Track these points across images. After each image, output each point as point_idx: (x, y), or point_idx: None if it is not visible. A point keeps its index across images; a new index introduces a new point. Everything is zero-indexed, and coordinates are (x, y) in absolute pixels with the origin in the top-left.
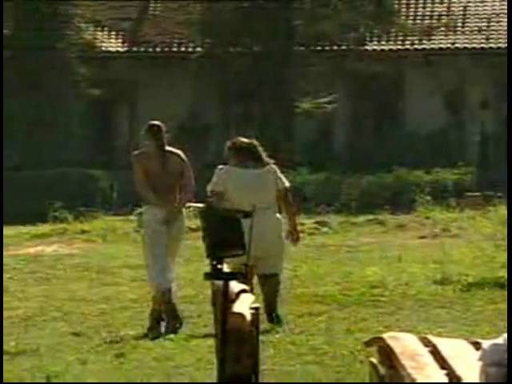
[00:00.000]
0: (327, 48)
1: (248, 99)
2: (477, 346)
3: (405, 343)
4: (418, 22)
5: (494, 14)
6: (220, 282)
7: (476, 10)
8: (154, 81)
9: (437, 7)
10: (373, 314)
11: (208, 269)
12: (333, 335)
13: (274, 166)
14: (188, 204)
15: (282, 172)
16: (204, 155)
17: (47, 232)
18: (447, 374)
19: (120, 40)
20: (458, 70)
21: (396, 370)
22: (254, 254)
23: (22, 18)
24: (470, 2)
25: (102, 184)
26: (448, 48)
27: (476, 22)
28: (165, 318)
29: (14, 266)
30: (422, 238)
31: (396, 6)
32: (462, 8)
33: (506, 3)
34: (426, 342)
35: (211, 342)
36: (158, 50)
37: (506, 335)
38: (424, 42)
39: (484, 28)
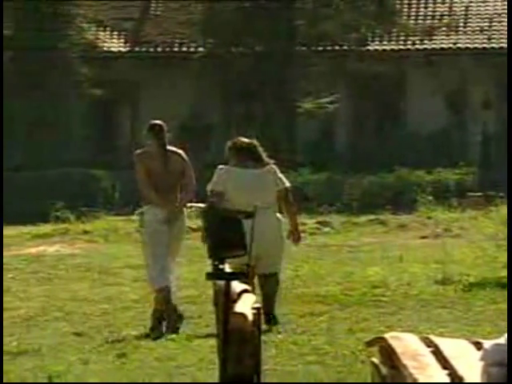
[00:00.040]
0: (329, 48)
1: (250, 99)
2: (478, 346)
3: (406, 343)
4: (420, 22)
5: (495, 13)
6: (222, 282)
7: (478, 10)
8: (156, 81)
9: (438, 7)
10: (374, 313)
11: (210, 269)
12: (334, 335)
13: (273, 166)
14: (189, 204)
15: (284, 172)
16: (205, 155)
17: (49, 232)
18: (449, 374)
19: (122, 40)
20: (460, 70)
21: (398, 370)
22: (255, 254)
23: (24, 18)
24: (471, 2)
25: (104, 184)
26: (450, 48)
27: (478, 22)
28: (166, 317)
29: (16, 266)
30: (423, 238)
31: (398, 6)
32: (463, 8)
33: (507, 3)
34: (428, 342)
35: (213, 342)
36: (159, 50)
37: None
38: (426, 42)
39: (486, 28)
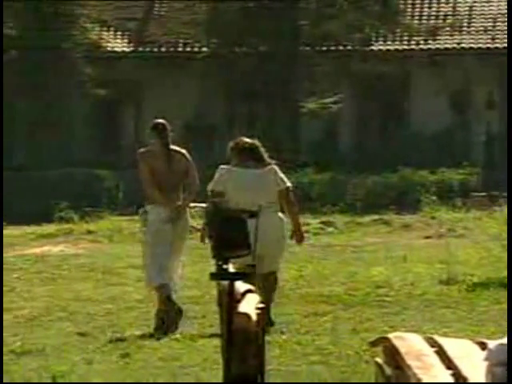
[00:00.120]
0: (333, 48)
1: (253, 99)
2: (482, 346)
3: (410, 343)
4: (424, 22)
5: (499, 13)
6: (226, 282)
7: (482, 10)
8: (160, 81)
9: (442, 7)
10: (378, 314)
11: (213, 269)
12: (338, 335)
13: (274, 166)
14: (192, 204)
15: (287, 172)
16: (209, 155)
17: (53, 232)
18: (453, 374)
19: (126, 40)
20: (464, 70)
21: (402, 370)
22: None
23: (28, 18)
24: (475, 2)
25: (108, 184)
26: (454, 48)
27: (482, 22)
28: (165, 314)
29: (20, 266)
30: (427, 238)
31: (401, 6)
32: (467, 8)
33: (507, 3)
34: (432, 342)
35: (217, 342)
36: (163, 50)
37: None
38: (430, 42)
39: (490, 28)
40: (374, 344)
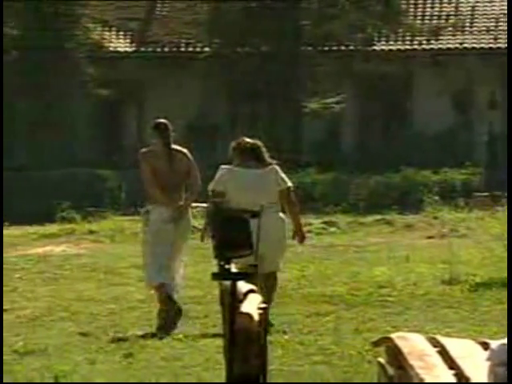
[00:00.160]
0: (335, 48)
1: (256, 99)
2: (485, 346)
3: (413, 343)
4: (426, 21)
5: (502, 13)
6: (228, 282)
7: (484, 10)
8: (162, 81)
9: (445, 7)
10: (381, 314)
11: (216, 269)
12: (341, 335)
13: (276, 167)
14: (194, 204)
15: (289, 172)
16: (211, 155)
17: (55, 232)
18: (456, 375)
19: (128, 40)
20: (466, 70)
21: (404, 370)
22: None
23: (30, 18)
24: (478, 2)
25: (110, 184)
26: (456, 48)
27: (484, 22)
28: (165, 313)
29: (22, 266)
30: (429, 238)
31: (404, 5)
32: (470, 8)
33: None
34: (435, 342)
35: (220, 342)
36: (165, 50)
37: None
38: (432, 42)
39: (492, 28)
40: (376, 344)
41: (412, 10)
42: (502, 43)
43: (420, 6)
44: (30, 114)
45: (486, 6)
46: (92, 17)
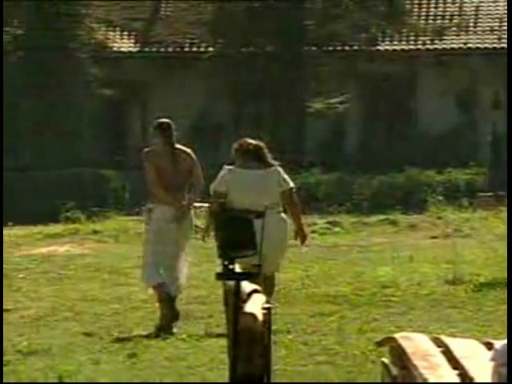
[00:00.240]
0: (339, 48)
1: (260, 99)
2: (489, 346)
3: (417, 343)
4: (430, 21)
5: (506, 13)
6: (232, 282)
7: (488, 10)
8: (166, 81)
9: (449, 7)
10: (384, 314)
11: (220, 269)
12: (344, 335)
13: (278, 168)
14: (196, 204)
15: (291, 173)
16: (215, 155)
17: (59, 232)
18: (459, 375)
19: (132, 40)
20: (470, 70)
21: (408, 370)
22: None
23: (34, 17)
24: (482, 2)
25: (114, 184)
26: (460, 48)
27: (488, 22)
28: (162, 314)
29: (26, 266)
30: (433, 238)
31: (408, 5)
32: (474, 8)
33: (507, 4)
34: (438, 342)
35: (224, 342)
36: (169, 50)
37: None
38: (436, 42)
39: (496, 28)
40: (380, 344)
41: (416, 9)
42: (506, 43)
43: (424, 5)
44: (33, 114)
45: (490, 6)
46: (96, 17)
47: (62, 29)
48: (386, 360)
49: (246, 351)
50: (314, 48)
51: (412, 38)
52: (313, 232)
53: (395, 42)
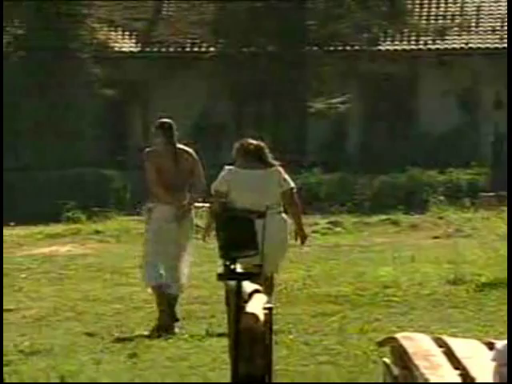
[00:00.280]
0: (340, 48)
1: (261, 99)
2: (490, 346)
3: (418, 343)
4: (432, 22)
5: (507, 13)
6: (233, 283)
7: (490, 10)
8: (168, 81)
9: (450, 7)
10: (386, 314)
11: (221, 269)
12: (346, 335)
13: (279, 168)
14: (197, 204)
15: (293, 173)
16: (217, 154)
17: (61, 232)
18: (461, 375)
19: (133, 40)
20: (472, 70)
21: (409, 370)
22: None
23: (35, 17)
24: (483, 2)
25: (116, 184)
26: (461, 48)
27: (490, 22)
28: (159, 313)
29: (27, 266)
30: (435, 238)
31: (409, 6)
32: (475, 8)
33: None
34: (440, 343)
35: (225, 342)
36: (171, 50)
37: None
38: (437, 42)
39: (498, 28)
40: (381, 344)
41: (417, 9)
42: (507, 43)
43: (425, 6)
44: (34, 114)
45: (491, 6)
46: (97, 17)
47: (63, 29)
48: (387, 360)
49: (248, 351)
50: (315, 48)
51: (413, 38)
52: (314, 232)
53: (397, 42)
